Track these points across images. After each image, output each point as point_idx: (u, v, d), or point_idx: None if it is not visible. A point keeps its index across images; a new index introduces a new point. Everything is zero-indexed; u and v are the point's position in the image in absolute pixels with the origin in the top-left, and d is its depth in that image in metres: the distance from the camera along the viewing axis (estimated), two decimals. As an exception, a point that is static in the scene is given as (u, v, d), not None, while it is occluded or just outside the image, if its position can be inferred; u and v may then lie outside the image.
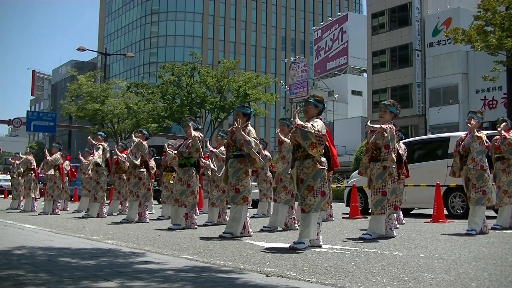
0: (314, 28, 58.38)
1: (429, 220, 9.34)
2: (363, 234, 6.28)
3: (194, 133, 7.97)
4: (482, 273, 3.81)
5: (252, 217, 10.03)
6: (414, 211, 12.49)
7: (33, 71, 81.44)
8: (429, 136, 17.64)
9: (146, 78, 56.72)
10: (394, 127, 6.49)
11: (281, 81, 52.97)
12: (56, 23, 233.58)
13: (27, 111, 35.63)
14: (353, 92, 48.62)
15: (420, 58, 36.82)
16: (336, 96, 46.91)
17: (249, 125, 6.85)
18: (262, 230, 7.48)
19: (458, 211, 10.14)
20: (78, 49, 31.13)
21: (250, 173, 6.74)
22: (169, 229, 7.77)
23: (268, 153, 11.20)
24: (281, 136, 7.96)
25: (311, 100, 5.68)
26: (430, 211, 10.19)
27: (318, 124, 5.41)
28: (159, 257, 4.73)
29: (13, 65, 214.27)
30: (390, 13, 39.37)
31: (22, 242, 5.76)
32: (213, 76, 32.66)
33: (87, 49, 32.34)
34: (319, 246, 5.41)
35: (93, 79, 34.87)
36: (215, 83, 32.59)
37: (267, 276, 3.69)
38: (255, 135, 6.70)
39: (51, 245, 5.60)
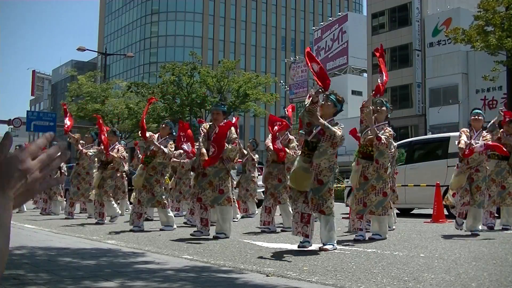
0: (314, 28, 58.35)
1: (429, 220, 9.34)
2: (372, 235, 6.20)
3: (165, 150, 7.83)
4: (482, 273, 3.81)
5: (245, 217, 10.04)
6: (414, 211, 12.50)
7: (33, 71, 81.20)
8: (429, 136, 17.64)
9: (146, 78, 56.67)
10: (391, 131, 6.36)
11: (281, 81, 52.96)
12: (56, 23, 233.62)
13: (27, 111, 35.56)
14: (353, 92, 48.58)
15: (420, 58, 36.82)
16: (336, 96, 46.89)
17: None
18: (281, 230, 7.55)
19: (458, 211, 10.14)
20: (78, 49, 31.12)
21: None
22: (161, 230, 7.73)
23: (257, 156, 11.09)
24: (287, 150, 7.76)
25: (332, 98, 5.36)
26: (430, 211, 10.19)
27: (337, 134, 5.15)
28: (159, 257, 4.73)
29: (13, 65, 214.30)
30: (390, 13, 39.37)
31: (23, 242, 5.76)
32: (213, 76, 32.65)
33: (87, 49, 32.32)
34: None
35: (93, 79, 34.89)
36: (215, 83, 32.59)
37: (267, 276, 3.69)
38: (234, 134, 6.58)
39: (51, 245, 5.60)
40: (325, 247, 5.11)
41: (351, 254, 4.86)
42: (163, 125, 8.28)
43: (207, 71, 33.14)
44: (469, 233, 6.68)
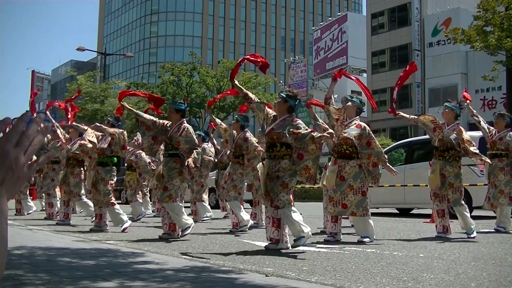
0: (313, 28, 58.34)
1: (428, 220, 9.33)
2: (361, 237, 5.92)
3: (111, 130, 7.69)
4: (481, 273, 3.81)
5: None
6: (414, 211, 12.50)
7: (33, 71, 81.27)
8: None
9: (146, 78, 56.68)
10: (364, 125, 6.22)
11: (281, 81, 52.95)
12: (56, 23, 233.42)
13: (27, 111, 35.59)
14: (353, 92, 48.54)
15: (419, 58, 36.82)
16: (336, 96, 46.84)
17: (185, 122, 6.65)
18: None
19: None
20: (78, 49, 31.09)
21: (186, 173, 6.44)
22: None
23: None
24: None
25: (282, 94, 5.50)
26: (429, 211, 10.19)
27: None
28: (159, 257, 4.73)
29: (13, 65, 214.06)
30: (390, 13, 39.38)
31: (22, 242, 5.75)
32: (212, 76, 32.69)
33: (87, 49, 32.29)
34: (287, 248, 5.24)
35: (92, 79, 34.89)
36: (215, 83, 32.62)
37: (266, 276, 3.69)
38: (193, 135, 6.51)
39: (51, 245, 5.59)
40: (295, 243, 5.06)
41: (350, 254, 4.86)
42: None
43: (207, 71, 33.18)
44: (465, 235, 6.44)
